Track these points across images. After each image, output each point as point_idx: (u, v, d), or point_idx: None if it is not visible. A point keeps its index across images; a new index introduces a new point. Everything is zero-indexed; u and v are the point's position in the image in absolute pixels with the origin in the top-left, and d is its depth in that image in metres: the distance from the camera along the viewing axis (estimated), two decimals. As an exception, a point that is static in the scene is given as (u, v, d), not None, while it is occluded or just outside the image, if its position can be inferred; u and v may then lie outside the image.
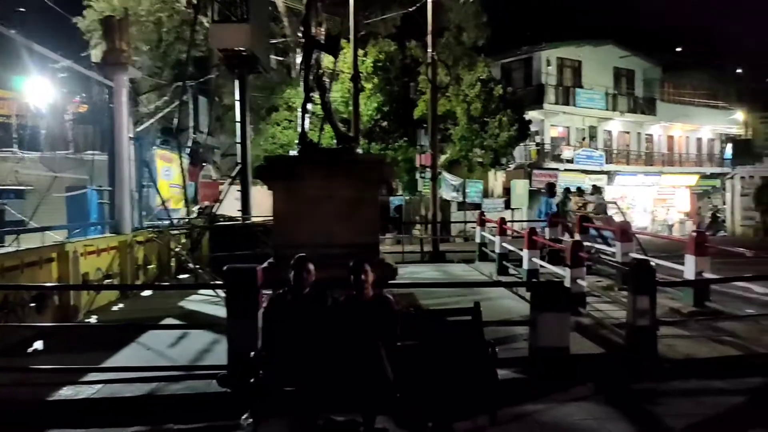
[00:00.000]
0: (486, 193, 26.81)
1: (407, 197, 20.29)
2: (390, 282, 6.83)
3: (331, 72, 7.84)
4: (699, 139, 39.21)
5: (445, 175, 23.90)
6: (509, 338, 5.85)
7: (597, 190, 14.39)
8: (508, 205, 26.38)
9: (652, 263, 9.10)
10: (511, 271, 10.59)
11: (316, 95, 7.31)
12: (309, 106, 7.35)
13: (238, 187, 12.26)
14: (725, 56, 39.95)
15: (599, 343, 5.88)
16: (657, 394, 4.72)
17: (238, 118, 11.99)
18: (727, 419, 4.19)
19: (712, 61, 39.92)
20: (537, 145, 31.01)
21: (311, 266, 4.36)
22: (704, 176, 36.14)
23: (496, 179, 28.52)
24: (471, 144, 22.77)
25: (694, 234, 7.58)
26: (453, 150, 22.89)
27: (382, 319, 4.18)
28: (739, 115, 32.32)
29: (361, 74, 18.92)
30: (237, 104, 11.98)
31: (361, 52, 19.92)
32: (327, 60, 7.80)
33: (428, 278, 11.07)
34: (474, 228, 13.93)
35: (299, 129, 7.29)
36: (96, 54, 11.82)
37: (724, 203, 24.71)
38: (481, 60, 23.21)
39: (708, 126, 37.78)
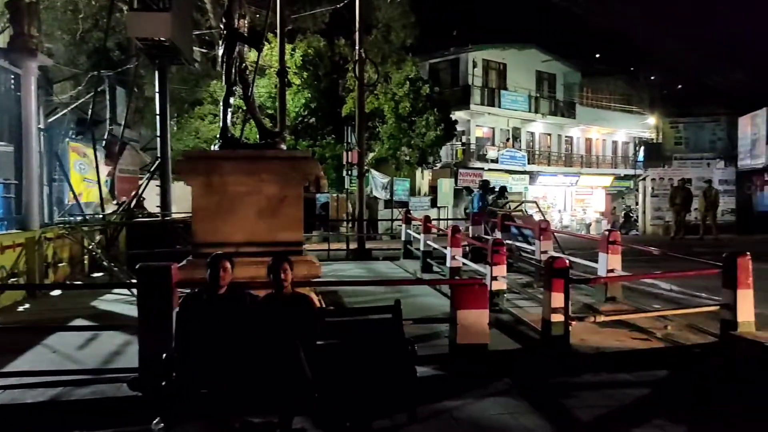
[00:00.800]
0: (413, 192, 27.09)
1: (335, 194, 20.22)
2: (314, 280, 6.78)
3: (254, 66, 7.67)
4: (615, 142, 41.17)
5: (373, 173, 23.98)
6: (431, 335, 5.90)
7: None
8: (434, 204, 26.75)
9: (568, 261, 9.53)
10: (435, 268, 10.74)
11: (239, 89, 7.17)
12: (231, 100, 7.16)
13: (158, 182, 11.85)
14: (639, 64, 42.07)
15: (517, 338, 6.04)
16: (569, 387, 4.89)
17: (158, 110, 11.57)
18: (632, 410, 4.38)
19: (627, 68, 41.97)
20: (463, 144, 31.63)
21: (228, 264, 4.25)
22: (619, 177, 37.96)
23: (423, 178, 28.88)
24: (399, 142, 22.95)
25: (607, 233, 7.91)
26: (381, 148, 23.01)
27: (301, 318, 4.13)
28: (651, 119, 34.08)
29: (288, 69, 18.69)
30: (157, 96, 11.56)
31: (289, 46, 19.69)
32: (254, 53, 7.65)
33: (353, 276, 11.05)
34: (401, 226, 14.02)
35: (221, 123, 7.10)
36: (2, 39, 11.11)
37: (636, 203, 25.98)
38: (410, 59, 23.43)
39: (623, 129, 39.72)
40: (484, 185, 13.74)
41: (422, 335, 5.82)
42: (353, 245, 14.46)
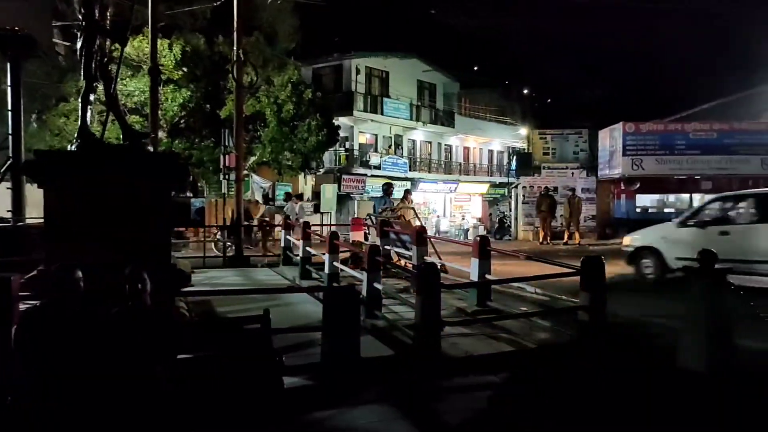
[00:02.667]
0: (296, 197, 26.72)
1: (213, 199, 19.53)
2: (183, 290, 6.44)
3: (118, 60, 7.17)
4: (491, 151, 43.17)
5: (254, 177, 23.44)
6: (304, 344, 5.76)
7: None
8: (317, 209, 26.58)
9: (445, 265, 9.76)
10: (314, 275, 10.62)
11: (101, 85, 6.68)
12: (91, 96, 6.65)
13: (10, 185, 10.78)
14: (513, 78, 44.46)
15: (391, 344, 6.06)
16: (440, 391, 4.95)
17: (10, 106, 10.54)
18: (497, 410, 4.51)
19: (502, 81, 44.21)
20: (346, 150, 31.76)
21: (79, 275, 3.89)
22: (494, 185, 39.78)
23: (306, 183, 28.65)
24: (281, 147, 22.58)
25: (478, 239, 8.17)
26: (262, 152, 22.53)
27: (161, 332, 3.85)
28: (523, 130, 36.08)
29: (164, 68, 17.82)
30: (9, 90, 10.53)
31: (165, 43, 18.79)
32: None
33: (228, 284, 10.67)
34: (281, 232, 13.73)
35: (80, 122, 6.57)
36: None
37: (509, 210, 27.32)
38: (292, 63, 23.17)
39: (498, 139, 41.75)
40: (387, 189, 13.41)
41: (297, 344, 5.68)
42: (231, 251, 14.01)
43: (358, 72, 31.74)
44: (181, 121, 21.42)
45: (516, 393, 4.93)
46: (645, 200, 21.08)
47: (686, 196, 20.95)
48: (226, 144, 15.05)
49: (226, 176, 14.75)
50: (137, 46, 18.02)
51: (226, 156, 14.62)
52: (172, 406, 3.53)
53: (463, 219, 37.49)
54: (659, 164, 20.29)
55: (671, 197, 21.32)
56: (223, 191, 15.49)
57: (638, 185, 20.39)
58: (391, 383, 5.07)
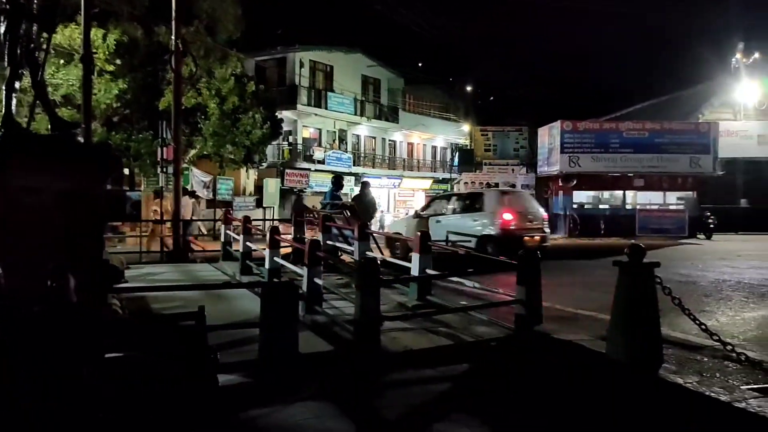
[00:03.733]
0: (238, 191, 26.37)
1: (150, 192, 18.98)
2: (116, 286, 6.24)
3: (46, 46, 6.85)
4: (434, 147, 43.61)
5: (194, 170, 22.93)
6: (242, 341, 5.68)
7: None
8: (260, 204, 26.26)
9: (384, 261, 9.79)
10: (255, 270, 10.48)
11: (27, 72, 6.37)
12: (17, 84, 6.33)
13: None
14: (456, 75, 45.03)
15: (331, 340, 6.04)
16: (378, 386, 4.97)
17: None
18: (434, 405, 4.55)
19: (446, 78, 44.72)
20: (290, 144, 31.45)
21: (-1, 272, 3.70)
22: (438, 180, 40.23)
23: (249, 177, 28.24)
24: (223, 140, 22.15)
25: (419, 234, 8.24)
26: (203, 145, 22.05)
27: (87, 331, 3.72)
28: (465, 127, 36.63)
29: (98, 58, 17.16)
30: None
31: (101, 32, 18.09)
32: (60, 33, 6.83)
33: (166, 280, 10.41)
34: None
35: (4, 111, 6.25)
36: None
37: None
38: (235, 55, 22.71)
39: (441, 135, 42.21)
40: (336, 181, 13.22)
41: (234, 341, 5.59)
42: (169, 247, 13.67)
43: (302, 65, 31.45)
44: (117, 112, 20.71)
45: (453, 386, 4.99)
46: (581, 196, 21.77)
47: (620, 192, 21.74)
48: (165, 136, 14.65)
49: (164, 169, 14.36)
50: (68, 34, 17.29)
51: (164, 148, 14.24)
52: (99, 408, 3.41)
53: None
54: (595, 162, 20.97)
55: (606, 194, 22.07)
56: (161, 184, 15.09)
57: (575, 182, 21.03)
58: (330, 379, 5.06)
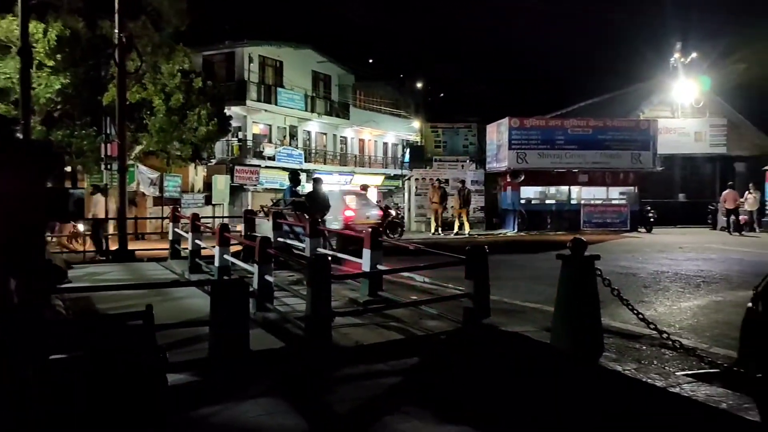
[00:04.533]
0: (186, 188, 25.91)
1: (92, 190, 18.46)
2: (59, 286, 6.08)
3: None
4: (385, 144, 43.78)
5: (140, 167, 22.42)
6: (192, 340, 5.63)
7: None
8: (209, 201, 25.86)
9: (335, 257, 9.82)
10: (204, 268, 10.35)
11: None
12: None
13: None
14: (407, 72, 45.29)
15: (282, 337, 6.04)
16: (329, 382, 5.00)
17: None
18: (384, 399, 4.62)
19: (396, 74, 44.93)
20: (239, 141, 31.05)
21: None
22: (389, 177, 40.42)
23: (197, 174, 27.77)
24: (169, 136, 21.70)
25: (370, 230, 8.29)
26: (149, 141, 21.55)
27: (31, 332, 3.63)
28: (416, 123, 36.90)
29: (39, 51, 16.58)
30: None
31: (41, 26, 17.47)
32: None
33: (111, 280, 10.17)
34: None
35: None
36: None
37: (403, 201, 27.88)
38: (181, 49, 22.25)
39: (392, 132, 42.41)
40: (294, 177, 13.03)
41: (184, 340, 5.55)
42: (115, 245, 13.34)
43: (251, 60, 31.06)
44: (59, 107, 20.02)
45: (404, 380, 5.07)
46: (529, 192, 22.23)
47: (566, 188, 22.31)
48: (108, 132, 14.27)
49: (108, 166, 13.99)
50: (6, 26, 16.64)
51: (108, 145, 13.86)
52: (42, 410, 3.34)
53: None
54: (541, 158, 21.46)
55: (552, 189, 22.60)
56: (105, 182, 14.69)
57: (523, 178, 21.45)
58: (281, 376, 5.07)
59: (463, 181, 22.27)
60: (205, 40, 28.88)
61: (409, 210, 24.74)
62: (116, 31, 13.45)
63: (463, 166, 24.56)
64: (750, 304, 4.43)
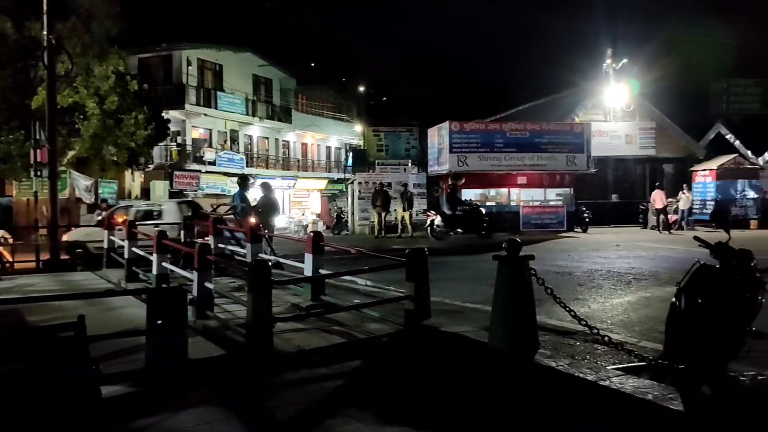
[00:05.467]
0: (123, 195, 25.17)
1: (24, 197, 17.70)
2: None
3: None
4: (328, 148, 43.69)
5: (74, 174, 21.65)
6: (128, 350, 5.49)
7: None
8: (147, 207, 25.11)
9: (278, 262, 9.76)
10: (142, 276, 10.09)
11: None
12: None
13: None
14: (349, 76, 45.39)
15: (223, 344, 5.97)
16: (271, 387, 4.98)
17: None
18: (327, 403, 4.64)
19: (339, 78, 44.95)
20: (178, 145, 30.41)
21: None
22: (332, 181, 40.35)
23: (134, 180, 27.02)
24: (104, 141, 21.05)
25: (312, 234, 8.30)
26: (82, 146, 20.84)
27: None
28: (358, 127, 36.99)
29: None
30: None
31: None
32: None
33: (41, 290, 9.79)
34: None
35: None
36: None
37: (347, 205, 27.88)
38: (116, 51, 21.64)
39: (335, 136, 42.36)
40: (242, 182, 12.72)
41: (119, 350, 5.41)
42: (46, 255, 12.84)
43: (189, 63, 30.46)
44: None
45: (346, 383, 5.10)
46: (470, 194, 22.57)
47: (505, 190, 22.82)
48: (38, 137, 13.72)
49: (38, 173, 13.46)
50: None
51: (38, 150, 13.33)
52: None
53: (303, 215, 37.59)
54: (481, 161, 21.87)
55: (492, 191, 23.06)
56: (35, 189, 14.11)
57: (464, 180, 21.78)
58: (221, 384, 5.01)
59: (405, 185, 22.48)
60: (141, 42, 28.14)
61: (352, 214, 24.77)
62: (45, 32, 12.95)
63: (405, 169, 24.76)
64: (673, 300, 4.68)
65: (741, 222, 23.72)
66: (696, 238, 4.88)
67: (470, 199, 20.67)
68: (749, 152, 27.49)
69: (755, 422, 3.95)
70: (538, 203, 22.83)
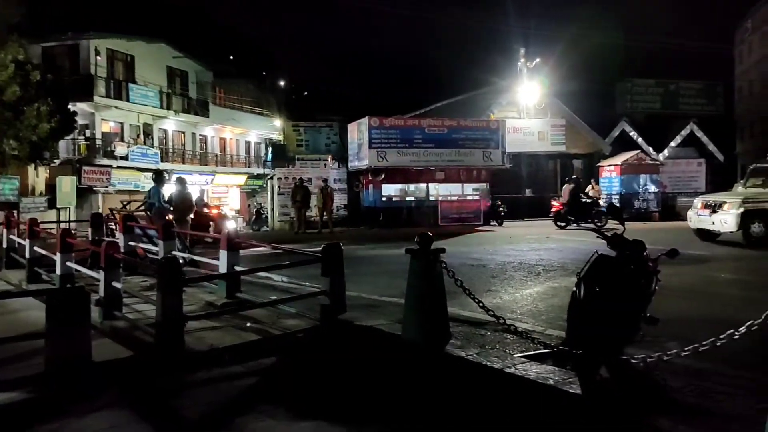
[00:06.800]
0: (25, 191, 23.75)
1: None
2: None
3: None
4: (248, 142, 42.86)
5: (-31, 169, 20.24)
6: (28, 354, 5.23)
7: None
8: (53, 205, 23.88)
9: (192, 260, 9.53)
10: (45, 277, 9.58)
11: None
12: None
13: None
14: (269, 70, 44.71)
15: (131, 345, 5.78)
16: (182, 387, 4.87)
17: None
18: (240, 401, 4.58)
19: (258, 72, 44.18)
20: (87, 139, 29.02)
21: None
22: (252, 176, 39.64)
23: (38, 175, 25.56)
24: (3, 135, 19.78)
25: (226, 231, 8.16)
26: (-22, 140, 19.51)
27: None
28: (278, 122, 36.52)
29: None
30: None
31: None
32: None
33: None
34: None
35: None
36: None
37: (267, 201, 27.53)
38: (15, 39, 20.36)
39: (255, 130, 41.60)
40: (158, 177, 12.20)
41: (18, 355, 5.17)
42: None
43: (98, 54, 29.05)
44: None
45: (260, 380, 5.06)
46: (390, 189, 22.83)
47: (424, 185, 23.20)
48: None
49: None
50: None
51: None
52: None
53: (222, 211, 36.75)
54: (400, 156, 22.14)
55: (412, 186, 23.38)
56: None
57: (383, 176, 22.01)
58: (129, 386, 4.86)
59: (325, 180, 22.43)
60: (44, 30, 26.59)
61: (272, 210, 24.47)
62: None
63: (325, 164, 24.71)
64: (574, 289, 4.95)
65: (644, 215, 25.25)
66: (594, 230, 5.17)
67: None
68: (651, 149, 29.22)
69: (643, 400, 4.24)
70: (455, 198, 23.35)
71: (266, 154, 37.34)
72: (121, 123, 31.36)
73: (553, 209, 21.16)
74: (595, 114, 29.66)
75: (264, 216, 26.62)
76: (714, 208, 14.18)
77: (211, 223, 17.55)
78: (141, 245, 10.35)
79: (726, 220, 13.73)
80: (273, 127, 38.31)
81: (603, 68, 32.50)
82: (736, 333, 3.54)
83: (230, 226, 16.23)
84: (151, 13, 36.55)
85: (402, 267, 5.84)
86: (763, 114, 41.85)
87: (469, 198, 23.48)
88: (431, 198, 23.11)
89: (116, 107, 30.06)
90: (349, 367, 5.24)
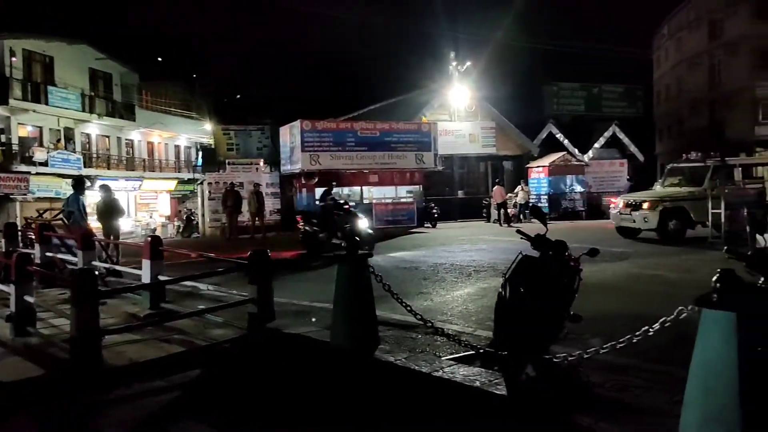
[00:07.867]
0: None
1: None
2: None
3: None
4: (177, 147, 41.72)
5: None
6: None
7: None
8: (-36, 214, 22.49)
9: (113, 270, 9.15)
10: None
11: None
12: None
13: None
14: (200, 72, 43.65)
15: (45, 363, 5.47)
16: (100, 406, 4.64)
17: None
18: (161, 416, 4.40)
19: (188, 75, 43.05)
20: (2, 144, 27.52)
21: None
22: (182, 181, 38.58)
23: (-52, 183, 24.03)
24: None
25: (149, 239, 7.86)
26: None
27: None
28: (208, 125, 35.71)
29: None
30: None
31: None
32: None
33: None
34: None
35: None
36: None
37: (198, 207, 26.83)
38: None
39: (184, 134, 40.54)
40: (78, 184, 11.50)
41: None
42: None
43: (13, 55, 27.61)
44: None
45: (184, 393, 4.88)
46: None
47: (358, 188, 23.16)
48: None
49: None
50: None
51: None
52: None
53: (151, 218, 35.60)
54: (333, 159, 22.02)
55: (346, 190, 23.29)
56: None
57: (317, 179, 21.81)
58: (40, 406, 4.59)
59: (258, 184, 22.04)
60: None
61: (203, 215, 23.87)
62: None
63: (257, 168, 24.30)
64: (500, 290, 5.01)
65: (572, 214, 26.12)
66: (518, 231, 5.26)
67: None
68: (576, 150, 30.25)
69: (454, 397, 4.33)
70: (389, 200, 23.42)
71: (196, 158, 36.42)
72: (40, 127, 29.90)
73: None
74: (523, 116, 30.48)
75: (195, 222, 25.92)
76: (635, 206, 14.83)
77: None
78: (59, 255, 9.86)
79: (647, 218, 14.40)
80: (203, 131, 37.41)
81: (530, 72, 33.44)
82: (651, 330, 3.66)
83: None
84: (72, 13, 35.06)
85: (335, 272, 5.75)
86: (679, 117, 44.20)
87: (402, 200, 23.60)
88: (365, 201, 23.09)
89: (34, 111, 28.65)
90: (276, 375, 5.13)
